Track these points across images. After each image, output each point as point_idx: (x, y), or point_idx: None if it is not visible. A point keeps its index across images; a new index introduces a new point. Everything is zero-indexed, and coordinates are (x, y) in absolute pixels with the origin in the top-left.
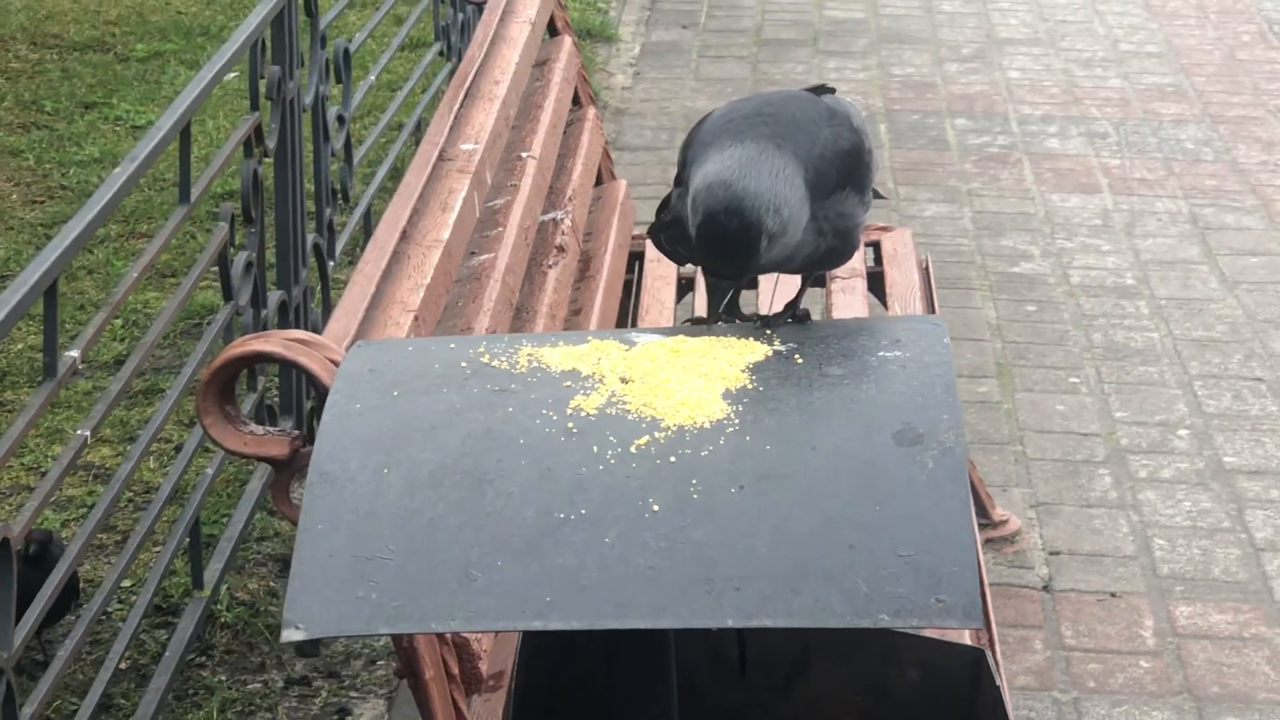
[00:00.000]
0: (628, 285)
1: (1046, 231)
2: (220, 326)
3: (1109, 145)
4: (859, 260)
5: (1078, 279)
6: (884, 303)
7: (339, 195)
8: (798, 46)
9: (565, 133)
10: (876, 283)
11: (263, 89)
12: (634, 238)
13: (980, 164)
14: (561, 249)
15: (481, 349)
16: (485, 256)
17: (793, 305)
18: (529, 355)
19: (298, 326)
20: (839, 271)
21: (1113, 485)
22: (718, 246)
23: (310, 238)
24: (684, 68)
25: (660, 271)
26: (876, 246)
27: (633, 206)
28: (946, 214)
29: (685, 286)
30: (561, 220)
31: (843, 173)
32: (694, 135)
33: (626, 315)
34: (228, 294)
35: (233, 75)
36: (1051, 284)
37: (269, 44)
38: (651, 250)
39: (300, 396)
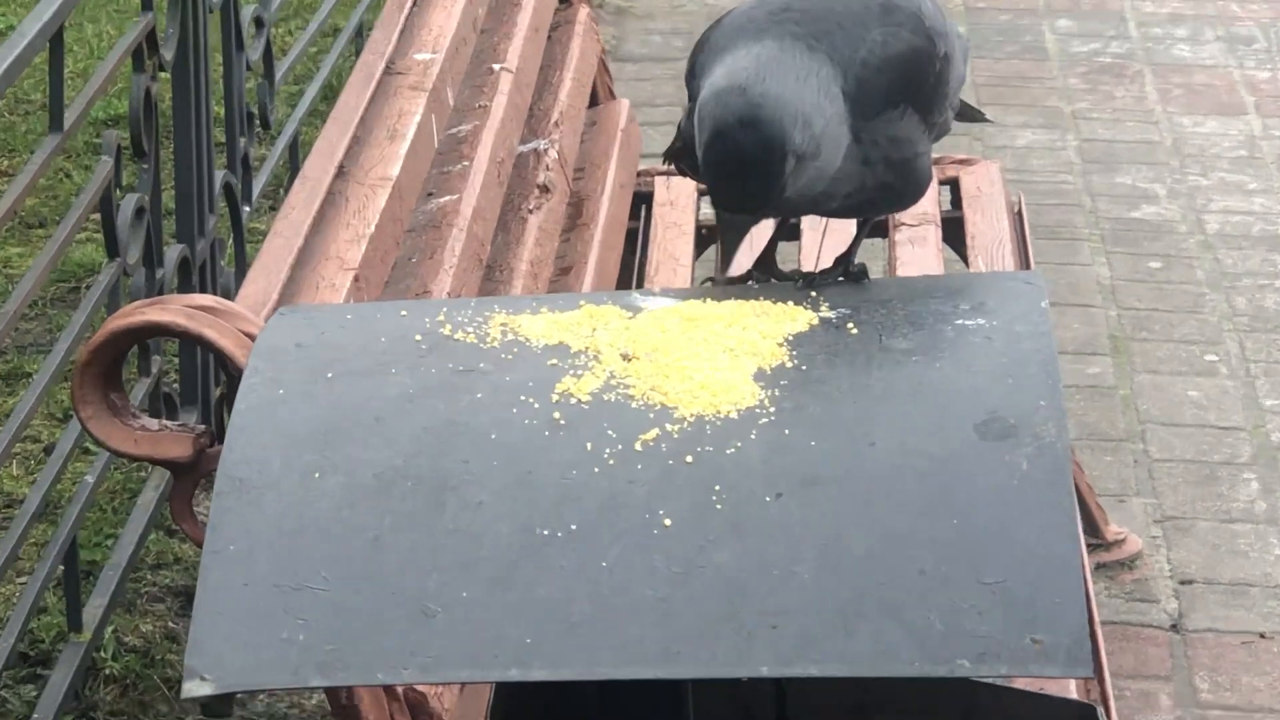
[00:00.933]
0: (631, 236)
1: (1175, 165)
2: (103, 291)
3: (1256, 53)
4: (931, 202)
5: (1215, 226)
6: (963, 257)
7: (257, 121)
8: None
9: (550, 38)
10: (954, 231)
11: None
12: (640, 174)
13: (1089, 77)
14: (545, 188)
15: (441, 317)
16: (446, 199)
17: (845, 259)
18: (503, 325)
19: (204, 290)
20: (905, 217)
21: (1260, 494)
22: (730, 170)
23: (220, 175)
24: None
25: (674, 218)
26: (954, 185)
27: (638, 134)
28: (1045, 143)
29: (707, 237)
30: (545, 151)
31: (897, 84)
32: (706, 37)
33: (630, 274)
34: (112, 249)
35: None
36: (1182, 233)
37: None
38: (663, 191)
39: (207, 381)
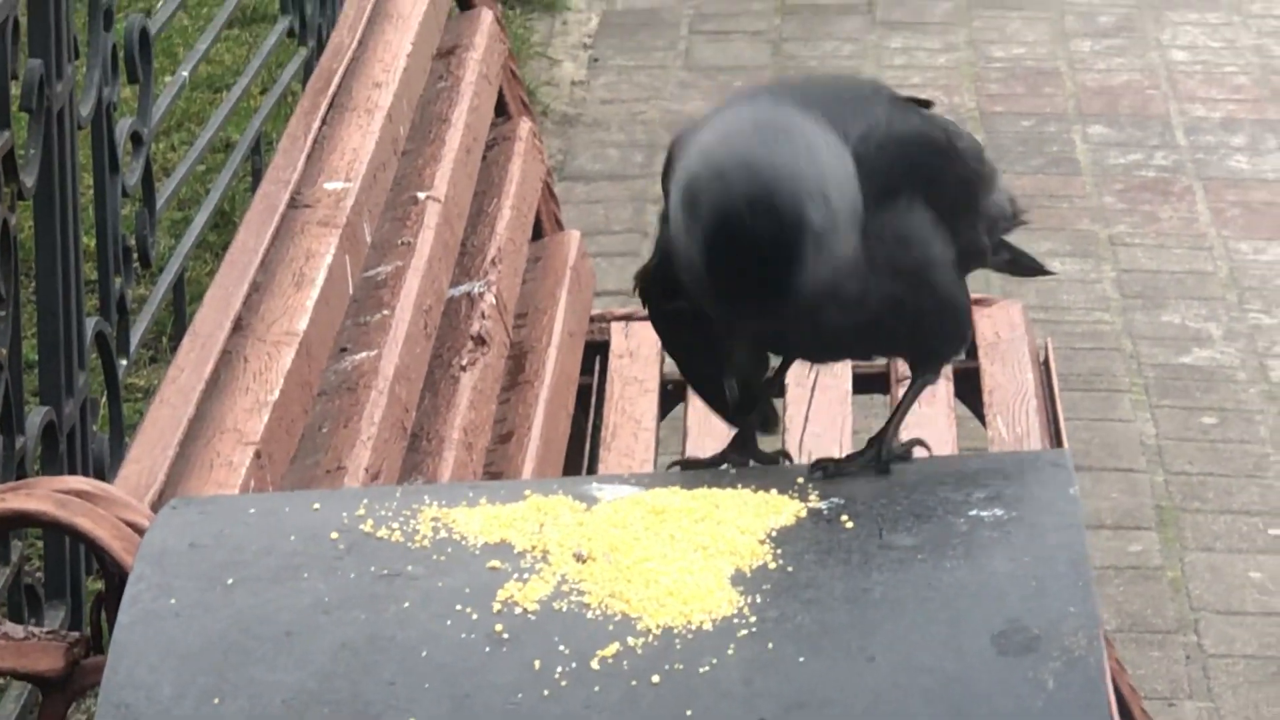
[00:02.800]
0: (584, 393)
1: (1232, 300)
2: None
3: None
4: None
5: None
6: (980, 416)
7: (135, 256)
8: (843, 16)
9: (485, 159)
10: (969, 385)
11: (15, 95)
12: (593, 319)
13: (1128, 195)
14: (481, 340)
15: (362, 511)
16: (363, 355)
17: (880, 440)
18: (435, 520)
19: (74, 460)
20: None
21: None
22: (741, 264)
23: (91, 323)
24: (667, 50)
25: (634, 371)
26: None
27: (590, 270)
28: (1077, 274)
29: (673, 394)
30: (481, 295)
31: (902, 167)
32: (679, 141)
33: (582, 441)
34: None
35: None
36: (1241, 382)
37: (22, 26)
38: (620, 339)
39: (78, 570)
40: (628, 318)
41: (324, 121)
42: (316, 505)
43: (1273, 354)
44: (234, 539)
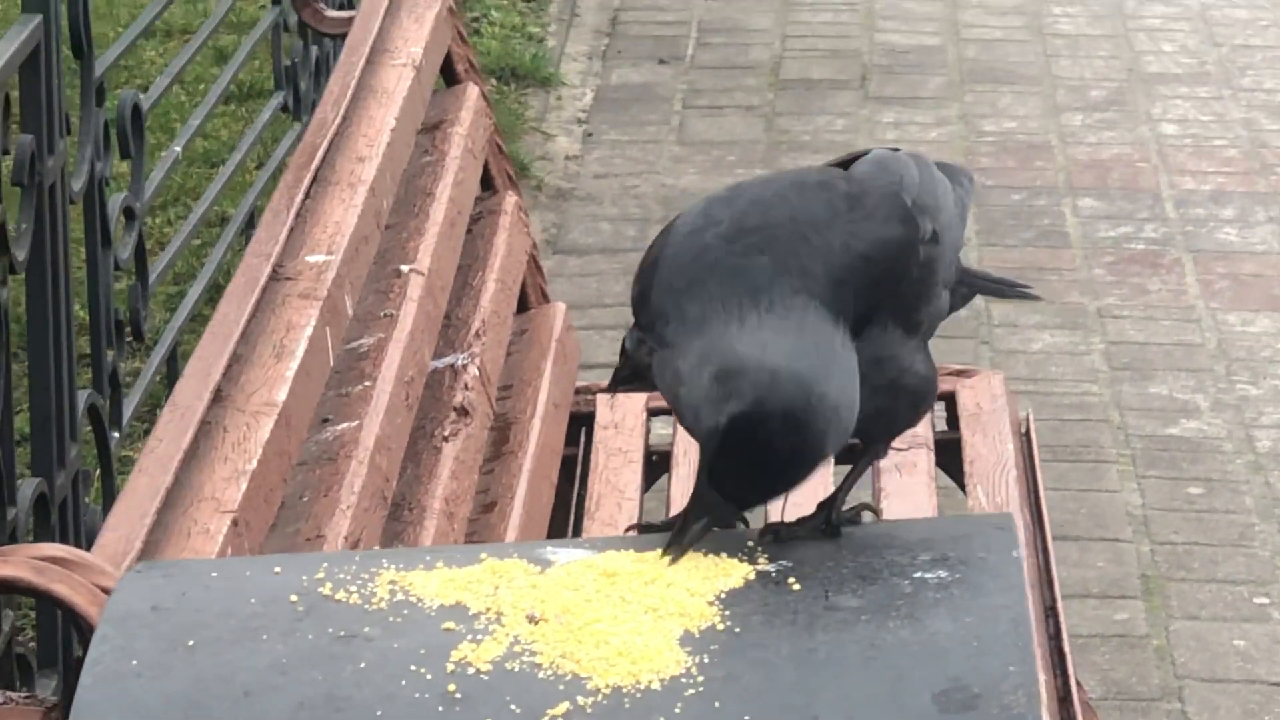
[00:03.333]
0: (569, 464)
1: (1220, 372)
2: None
3: None
4: (923, 423)
5: (1268, 445)
6: (961, 485)
7: (128, 331)
8: (837, 90)
9: (471, 233)
10: (950, 455)
11: (6, 170)
12: (578, 391)
13: (1118, 268)
14: (464, 411)
15: (320, 574)
16: (344, 426)
17: (830, 504)
18: (392, 583)
19: (66, 531)
20: (895, 441)
21: None
22: (753, 462)
23: (84, 396)
24: (661, 124)
25: (619, 443)
26: (950, 401)
27: (576, 344)
28: (1066, 346)
29: (658, 465)
30: (464, 368)
31: (866, 292)
32: (656, 264)
33: (567, 510)
34: None
35: None
36: (1228, 453)
37: (15, 100)
38: (606, 411)
39: (68, 636)
40: (614, 390)
41: (307, 195)
42: (277, 569)
43: (1259, 425)
44: (196, 602)
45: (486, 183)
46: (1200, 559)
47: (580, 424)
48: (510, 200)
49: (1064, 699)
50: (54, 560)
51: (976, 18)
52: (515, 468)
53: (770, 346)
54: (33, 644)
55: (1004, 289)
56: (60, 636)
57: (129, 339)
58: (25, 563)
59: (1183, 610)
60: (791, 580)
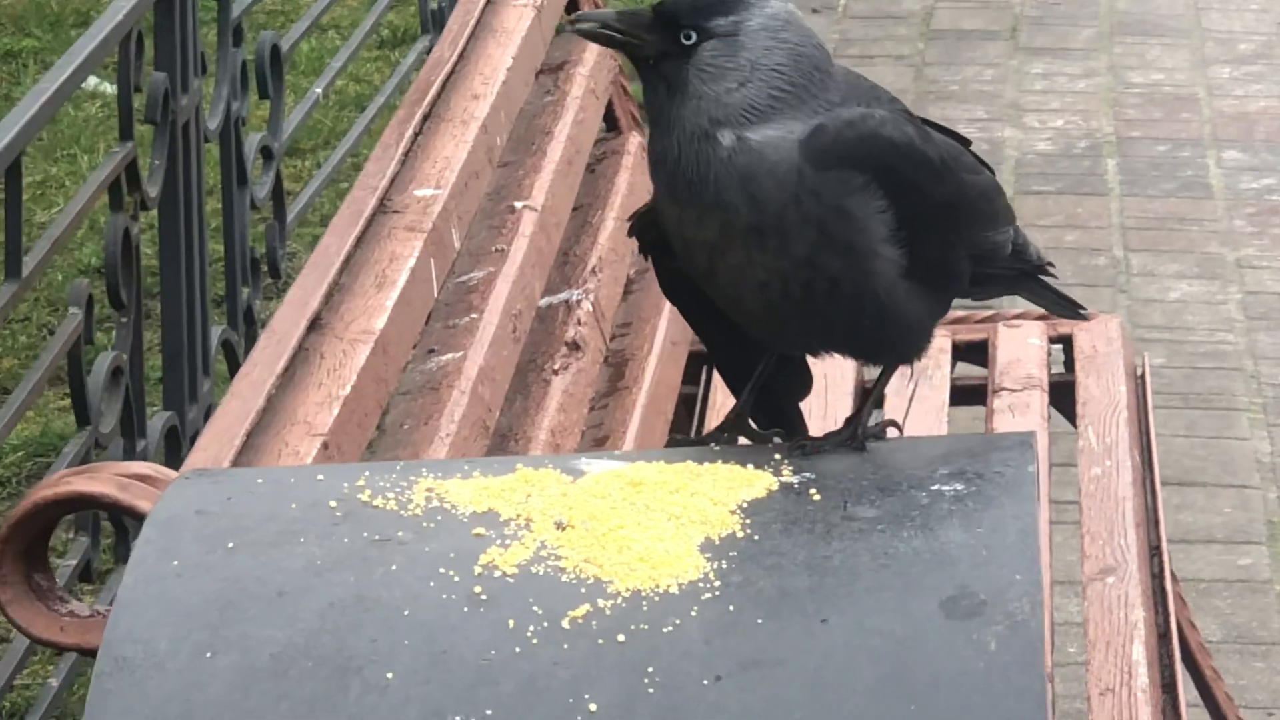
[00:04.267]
0: (688, 402)
1: None
2: (70, 465)
3: None
4: (1039, 364)
5: None
6: (1075, 426)
7: (264, 268)
8: (987, 40)
9: (593, 172)
10: (1064, 397)
11: (139, 107)
12: None
13: (1259, 220)
14: (576, 346)
15: (361, 482)
16: (449, 357)
17: (854, 421)
18: (428, 491)
19: None
20: (1006, 381)
21: None
22: None
23: (217, 332)
24: None
25: None
26: (1067, 343)
27: None
28: (1203, 295)
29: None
30: (578, 304)
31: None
32: None
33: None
34: (83, 416)
35: (104, 86)
36: None
37: (146, 38)
38: None
39: None
40: None
41: (419, 131)
42: (320, 477)
43: None
44: (239, 506)
45: (612, 124)
46: None
47: (701, 362)
48: (634, 140)
49: (1163, 635)
50: (139, 477)
51: None
52: (629, 403)
53: None
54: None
55: (1062, 306)
56: None
57: (266, 277)
58: (111, 479)
59: None
60: (813, 491)
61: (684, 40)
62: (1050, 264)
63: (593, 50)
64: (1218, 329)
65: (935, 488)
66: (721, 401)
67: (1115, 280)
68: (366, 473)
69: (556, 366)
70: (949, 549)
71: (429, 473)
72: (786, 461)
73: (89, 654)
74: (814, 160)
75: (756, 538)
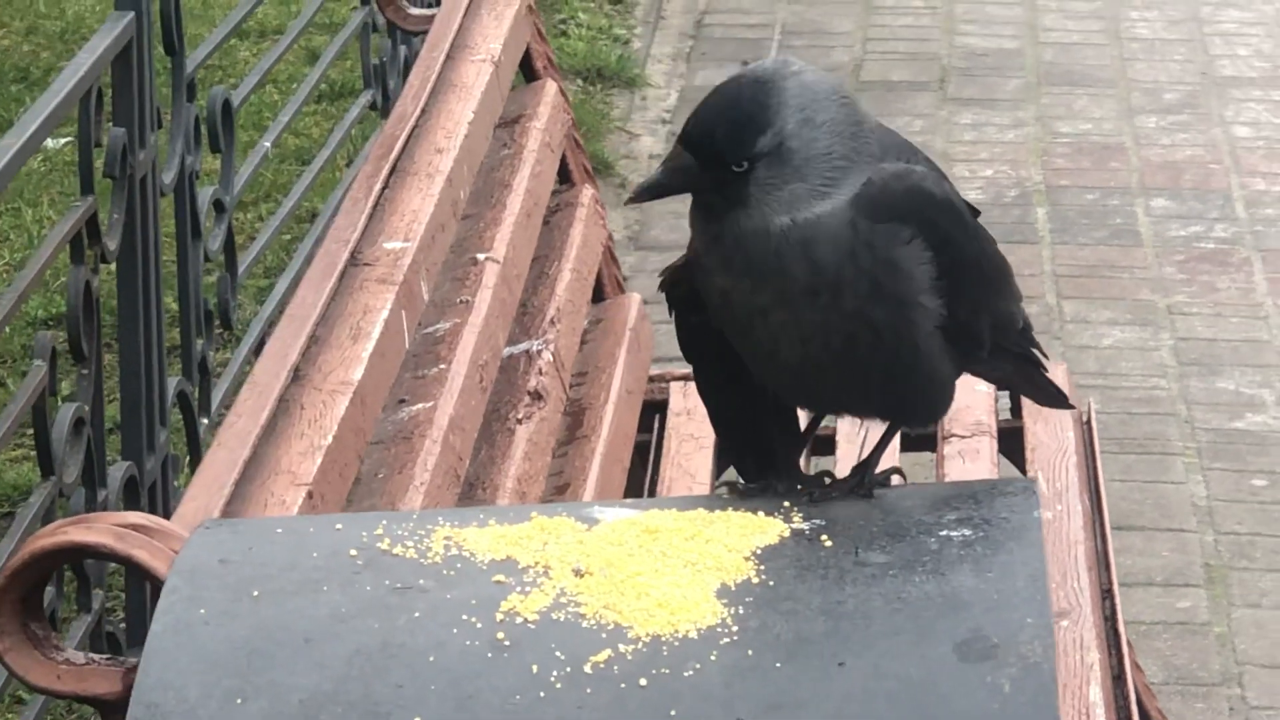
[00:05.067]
0: (641, 450)
1: None
2: (34, 515)
3: None
4: (987, 411)
5: None
6: (1022, 472)
7: (217, 320)
8: (916, 92)
9: (549, 224)
10: (1013, 443)
11: (99, 162)
12: (652, 379)
13: (1188, 266)
14: (538, 395)
15: (380, 530)
16: (419, 407)
17: (863, 468)
18: (446, 539)
19: (155, 514)
20: (955, 427)
21: None
22: (714, 105)
23: (174, 384)
24: None
25: (690, 429)
26: (1013, 391)
27: (650, 333)
28: (1135, 342)
29: None
30: (539, 354)
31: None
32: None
33: (639, 493)
34: (46, 466)
35: (60, 143)
36: None
37: (107, 95)
38: (679, 398)
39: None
40: (686, 378)
41: (386, 185)
42: (339, 526)
43: None
44: (261, 555)
45: (565, 176)
46: (1262, 549)
47: (654, 411)
48: (587, 193)
49: (1118, 677)
50: (135, 527)
51: (1055, 21)
52: (588, 451)
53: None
54: (122, 624)
55: (1048, 395)
56: (149, 617)
57: (218, 329)
58: (108, 530)
59: (1244, 599)
60: (824, 538)
61: (736, 170)
62: (1046, 356)
63: (547, 104)
64: (1151, 375)
65: (944, 533)
66: (675, 449)
67: (1049, 328)
68: (384, 522)
69: (520, 416)
70: (960, 593)
71: (445, 521)
72: (796, 509)
73: (85, 701)
74: (866, 213)
75: (771, 583)
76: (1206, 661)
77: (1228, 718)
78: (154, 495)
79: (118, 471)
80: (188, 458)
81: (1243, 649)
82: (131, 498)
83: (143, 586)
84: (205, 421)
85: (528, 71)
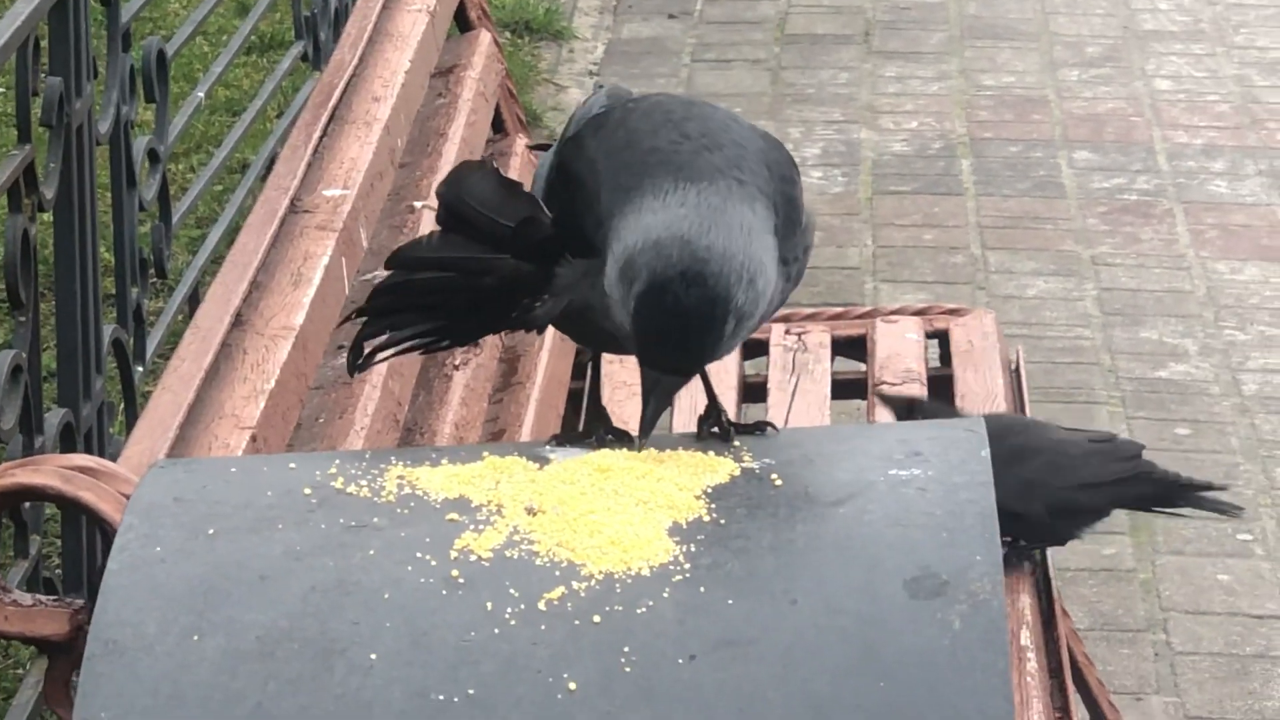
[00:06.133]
0: (575, 397)
1: (1208, 318)
2: None
3: None
4: (917, 358)
5: (1253, 388)
6: None
7: (152, 269)
8: (841, 45)
9: None
10: (942, 390)
11: (35, 111)
12: None
13: (1111, 218)
14: (474, 343)
15: (333, 470)
16: None
17: (716, 409)
18: (400, 478)
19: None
20: (886, 374)
21: None
22: (667, 328)
23: (108, 331)
24: (670, 77)
25: (623, 376)
26: (943, 338)
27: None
28: (1059, 292)
29: None
30: None
31: (800, 195)
32: (585, 146)
33: None
34: None
35: None
36: (1214, 395)
37: (43, 44)
38: None
39: (91, 560)
40: None
41: (324, 133)
42: (292, 465)
43: (1245, 369)
44: (215, 494)
45: (499, 126)
46: None
47: (588, 360)
48: (520, 142)
49: (1048, 622)
50: (81, 469)
51: None
52: (523, 398)
53: (676, 220)
54: (58, 570)
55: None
56: (85, 558)
57: (153, 277)
58: (54, 471)
59: (1169, 546)
60: (774, 476)
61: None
62: None
63: (481, 54)
64: (1075, 324)
65: (893, 472)
66: (609, 396)
67: (974, 278)
68: (337, 461)
69: (457, 362)
70: (910, 532)
71: (398, 460)
72: (746, 448)
73: (32, 642)
74: (786, 237)
75: (723, 522)
76: (1132, 607)
77: (1153, 663)
78: (90, 441)
79: (54, 418)
80: (122, 404)
81: (1167, 595)
82: (68, 444)
83: (79, 531)
84: (140, 369)
85: (462, 22)
